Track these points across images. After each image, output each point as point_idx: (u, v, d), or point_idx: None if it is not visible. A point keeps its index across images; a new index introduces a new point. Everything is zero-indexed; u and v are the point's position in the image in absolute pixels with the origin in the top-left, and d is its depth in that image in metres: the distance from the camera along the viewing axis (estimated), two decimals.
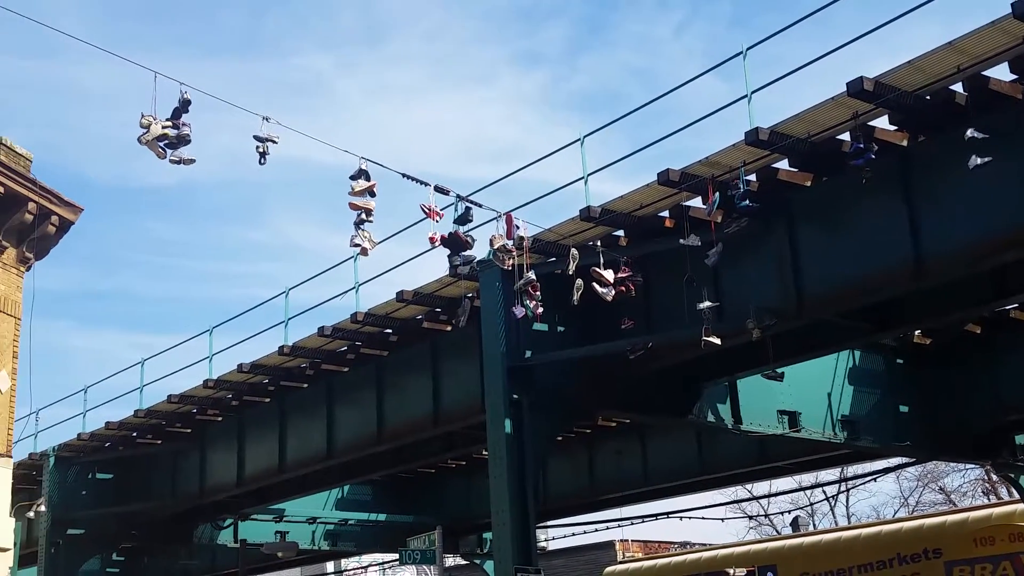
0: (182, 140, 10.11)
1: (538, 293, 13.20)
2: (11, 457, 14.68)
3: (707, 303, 13.30)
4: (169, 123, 10.04)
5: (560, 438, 22.38)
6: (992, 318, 18.34)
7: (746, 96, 12.65)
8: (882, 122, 12.51)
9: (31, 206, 14.65)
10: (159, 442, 24.61)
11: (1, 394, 14.41)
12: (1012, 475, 20.31)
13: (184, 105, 10.04)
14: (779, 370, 16.37)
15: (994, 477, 33.47)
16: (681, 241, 13.39)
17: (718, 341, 13.27)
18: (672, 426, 20.88)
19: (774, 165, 13.34)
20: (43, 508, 23.81)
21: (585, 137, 14.43)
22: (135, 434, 24.24)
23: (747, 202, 12.77)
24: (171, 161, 10.12)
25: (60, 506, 24.64)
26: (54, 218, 15.02)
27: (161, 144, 10.04)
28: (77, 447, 24.80)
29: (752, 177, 13.40)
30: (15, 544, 16.68)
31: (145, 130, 9.94)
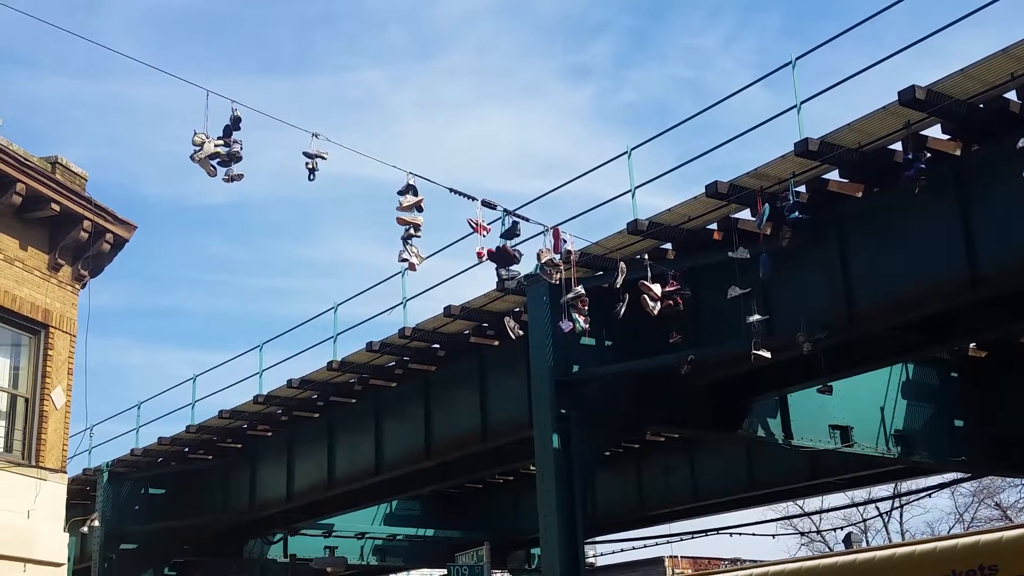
0: (233, 157, 10.19)
1: (586, 307, 13.10)
2: (66, 473, 14.85)
3: (756, 316, 13.17)
4: (221, 141, 10.13)
5: (608, 453, 22.28)
6: None
7: (795, 106, 12.55)
8: (934, 131, 12.34)
9: (86, 224, 14.86)
10: (210, 457, 24.83)
11: (56, 410, 14.61)
12: None
13: (235, 123, 10.13)
14: (830, 384, 16.20)
15: None
16: (730, 254, 13.28)
17: (768, 355, 13.15)
18: (721, 441, 20.69)
19: (824, 176, 13.21)
20: (96, 523, 24.02)
21: (632, 150, 14.41)
22: (187, 449, 24.49)
23: (797, 214, 12.65)
24: (223, 179, 10.22)
25: (113, 521, 24.93)
26: (109, 236, 15.22)
27: (213, 162, 10.14)
28: (130, 462, 25.09)
29: (802, 188, 13.28)
30: (69, 559, 16.87)
31: (198, 148, 10.04)
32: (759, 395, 16.76)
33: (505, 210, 12.32)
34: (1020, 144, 11.19)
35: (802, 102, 12.55)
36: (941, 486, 24.97)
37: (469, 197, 11.70)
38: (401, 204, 11.39)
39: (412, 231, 11.49)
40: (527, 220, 12.50)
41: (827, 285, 13.74)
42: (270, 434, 23.41)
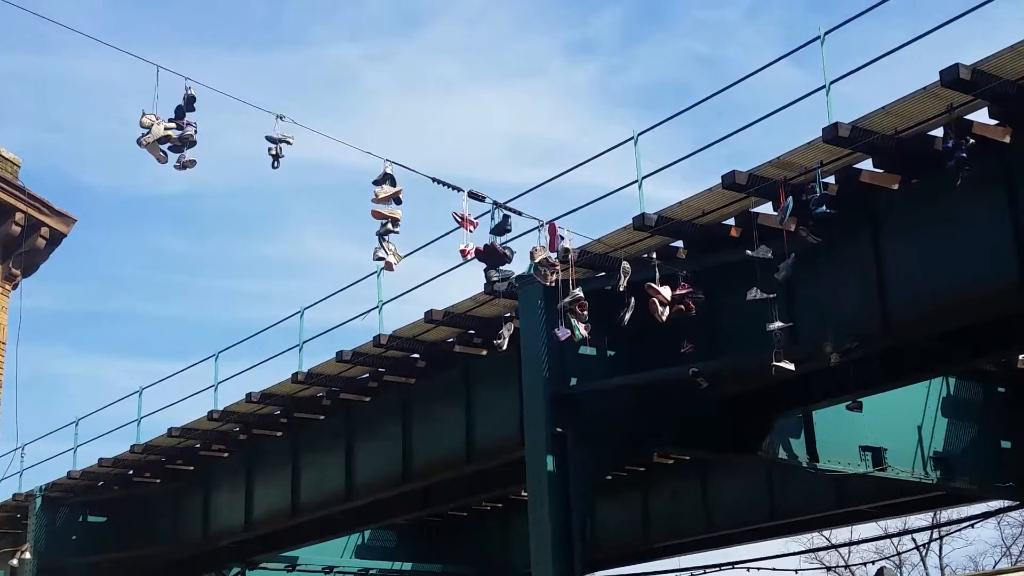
0: (186, 142, 10.20)
1: (585, 312, 13.16)
2: None
3: (778, 323, 13.19)
4: (172, 123, 10.12)
5: (610, 477, 22.28)
6: None
7: (824, 87, 12.55)
8: (980, 115, 12.35)
9: (18, 216, 14.84)
10: (158, 481, 24.77)
11: None
12: None
13: (188, 102, 10.13)
14: (861, 400, 16.24)
15: None
16: (749, 253, 13.27)
17: (791, 367, 13.17)
18: (738, 464, 20.73)
19: (856, 165, 13.21)
20: (28, 555, 24.00)
21: (639, 135, 14.39)
22: (132, 472, 24.41)
23: (824, 208, 12.64)
24: (175, 167, 10.21)
25: (48, 552, 24.81)
26: (44, 230, 15.21)
27: (163, 147, 10.14)
28: (67, 486, 25.00)
29: (831, 179, 13.29)
30: None
31: (146, 131, 10.04)
32: (781, 412, 16.79)
33: (495, 202, 12.35)
34: None
35: (831, 82, 12.54)
36: (986, 515, 25.01)
37: (454, 188, 11.74)
38: (377, 195, 11.42)
39: (389, 226, 11.53)
40: (520, 214, 12.54)
41: (858, 288, 13.76)
42: (226, 455, 23.35)
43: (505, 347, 14.30)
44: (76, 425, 24.80)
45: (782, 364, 13.09)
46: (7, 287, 15.23)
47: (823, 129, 12.46)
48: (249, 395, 20.13)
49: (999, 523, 39.70)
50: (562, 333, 13.18)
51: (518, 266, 13.14)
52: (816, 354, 13.63)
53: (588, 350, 14.97)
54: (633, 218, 14.28)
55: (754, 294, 13.20)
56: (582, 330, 13.08)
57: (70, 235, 15.41)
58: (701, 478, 22.38)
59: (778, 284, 13.27)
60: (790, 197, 12.91)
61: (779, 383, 14.51)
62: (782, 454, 17.23)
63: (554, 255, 12.82)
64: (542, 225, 12.85)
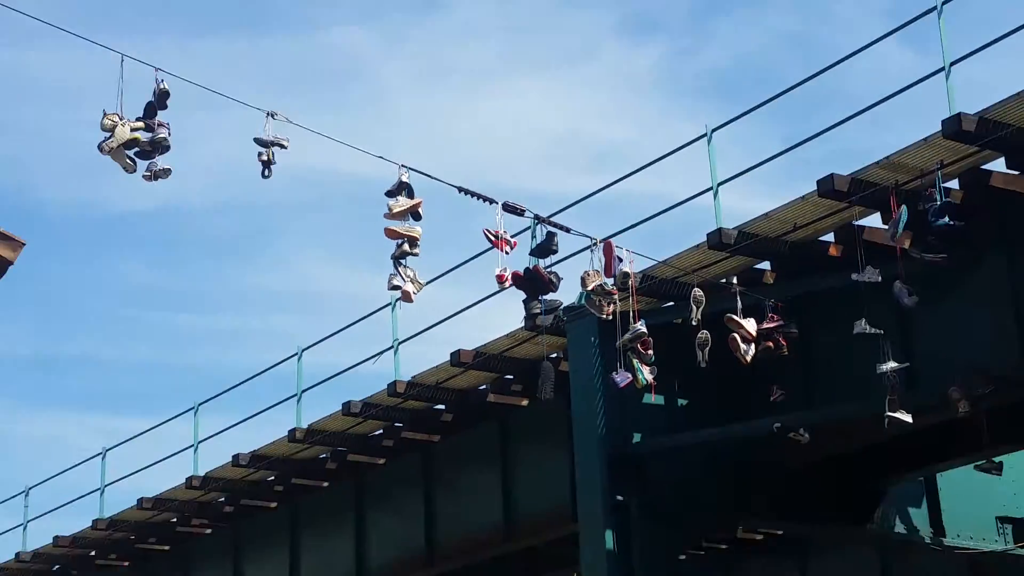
0: (158, 146, 10.28)
1: (650, 352, 13.12)
2: None
3: (893, 364, 13.18)
4: (140, 124, 10.22)
5: (683, 556, 22.15)
6: None
7: (943, 69, 12.54)
8: None
9: None
10: (126, 564, 24.93)
11: None
12: None
13: (160, 99, 10.22)
14: (997, 460, 16.11)
15: None
16: (854, 276, 13.26)
17: (909, 419, 13.13)
18: (846, 540, 20.52)
19: (985, 167, 13.20)
20: None
21: (714, 131, 14.44)
22: (94, 553, 24.57)
23: (947, 219, 12.62)
24: (144, 176, 10.30)
25: None
26: None
27: (130, 152, 10.23)
28: (15, 571, 25.19)
29: (954, 184, 13.27)
30: None
31: (108, 134, 10.13)
32: (897, 475, 16.81)
33: (537, 217, 12.37)
34: None
35: (952, 63, 12.55)
36: None
37: (486, 199, 11.75)
38: (391, 210, 11.46)
39: (406, 247, 11.55)
40: (568, 231, 12.54)
41: (992, 320, 13.72)
42: (209, 531, 23.46)
43: (550, 396, 14.26)
44: (26, 496, 25.04)
45: (897, 415, 13.07)
46: None
47: (943, 122, 12.45)
48: (236, 457, 20.22)
49: None
50: (621, 378, 13.12)
51: (566, 295, 13.15)
52: (941, 402, 13.59)
53: (654, 399, 14.87)
54: (708, 235, 14.33)
55: (861, 327, 13.18)
56: (646, 374, 13.02)
57: (17, 263, 15.56)
58: (799, 557, 22.10)
59: (893, 314, 13.22)
60: (904, 207, 12.89)
61: (894, 439, 14.49)
62: (900, 527, 17.17)
63: (611, 281, 12.81)
64: (595, 244, 12.83)
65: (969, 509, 17.48)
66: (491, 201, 11.82)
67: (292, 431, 19.34)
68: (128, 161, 10.30)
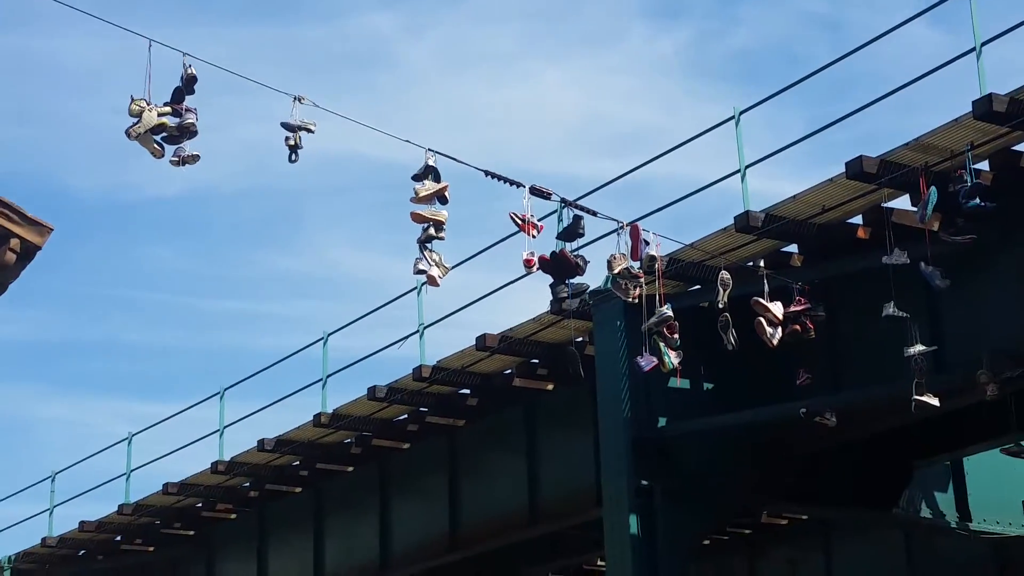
0: (185, 132, 10.28)
1: (676, 336, 13.09)
2: None
3: (920, 347, 13.12)
4: (168, 109, 10.21)
5: (708, 541, 22.15)
6: None
7: (974, 49, 12.48)
8: None
9: None
10: (151, 548, 25.01)
11: None
12: None
13: (188, 83, 10.20)
14: None
15: None
16: (884, 260, 13.17)
17: (936, 402, 13.09)
18: (870, 524, 20.51)
19: (1016, 147, 13.12)
20: None
21: (741, 114, 14.40)
22: (120, 538, 24.65)
23: (978, 200, 12.57)
24: (171, 161, 10.30)
25: None
26: (14, 241, 15.31)
27: (157, 138, 10.22)
28: (41, 556, 25.30)
29: (984, 165, 13.20)
30: None
31: (136, 119, 10.12)
32: (923, 459, 16.77)
33: (563, 200, 12.33)
34: None
35: (983, 44, 12.49)
36: None
37: (512, 182, 11.72)
38: (417, 194, 11.43)
39: (432, 231, 11.53)
40: (594, 214, 12.50)
41: (1021, 302, 13.65)
42: (234, 515, 23.52)
43: (581, 378, 14.25)
44: (52, 481, 25.12)
45: (924, 398, 13.02)
46: None
47: (973, 103, 12.39)
48: (262, 442, 20.25)
49: None
50: (647, 362, 13.11)
51: (592, 279, 13.11)
52: (968, 385, 13.53)
53: (680, 383, 14.88)
54: (735, 218, 14.27)
55: (890, 311, 13.13)
56: (672, 358, 13.00)
57: (45, 248, 15.57)
58: (823, 541, 22.16)
59: (922, 297, 13.15)
60: (933, 188, 12.84)
61: (921, 422, 14.48)
62: (925, 512, 17.15)
63: (637, 264, 12.76)
64: (622, 227, 12.79)
65: (996, 493, 17.48)
66: (518, 185, 11.79)
67: (317, 416, 19.35)
68: (156, 146, 10.29)
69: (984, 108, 12.31)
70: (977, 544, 18.99)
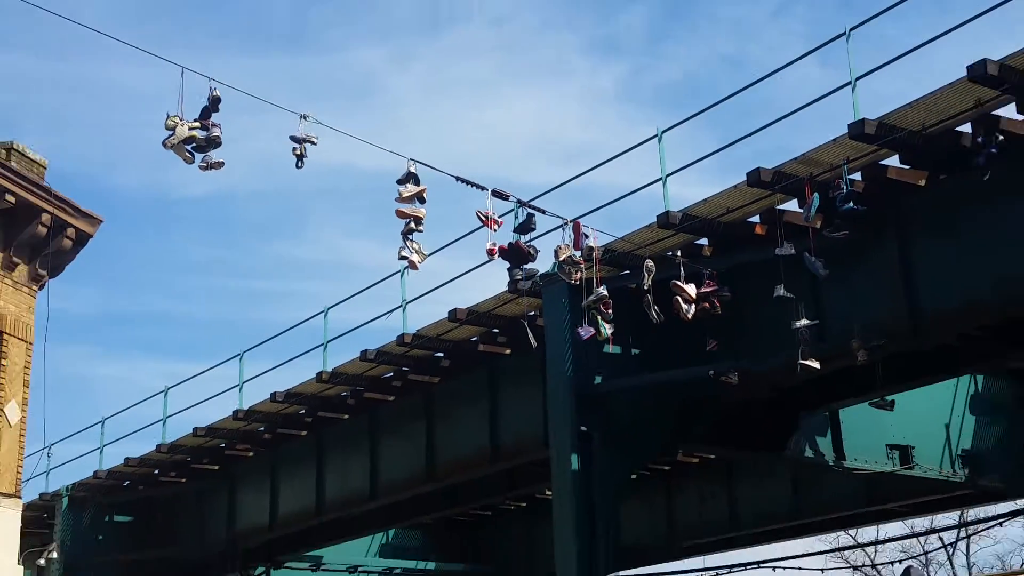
0: (211, 143, 10.26)
1: (610, 311, 13.14)
2: (20, 498, 14.89)
3: (804, 321, 13.18)
4: (197, 123, 10.18)
5: (635, 476, 22.22)
6: None
7: (850, 83, 12.50)
8: (1009, 111, 12.25)
9: (44, 218, 14.91)
10: (183, 480, 24.90)
11: (10, 427, 14.65)
12: None
13: (213, 103, 10.18)
14: (889, 398, 16.19)
15: None
16: (776, 251, 13.24)
17: (817, 365, 13.16)
18: (764, 463, 20.63)
19: (883, 162, 13.15)
20: (55, 554, 24.14)
21: (663, 132, 14.37)
22: (157, 471, 24.55)
23: (851, 204, 12.62)
24: (200, 167, 10.27)
25: (74, 552, 24.95)
26: (70, 230, 15.27)
27: (188, 147, 10.19)
28: (93, 486, 25.15)
29: (857, 176, 13.23)
30: None
31: (171, 132, 10.10)
32: (807, 411, 16.71)
33: (519, 201, 12.34)
34: None
35: (857, 78, 12.49)
36: (1014, 514, 24.80)
37: (478, 186, 11.73)
38: (401, 195, 11.44)
39: (413, 225, 11.53)
40: (544, 212, 12.52)
41: (886, 285, 13.70)
42: (251, 454, 23.43)
43: (532, 345, 14.27)
44: (102, 425, 24.99)
45: (808, 362, 13.09)
46: (34, 288, 15.31)
47: (849, 125, 12.40)
48: (274, 395, 20.20)
49: None
50: (586, 332, 13.16)
51: (542, 264, 13.12)
52: (843, 352, 13.57)
53: (613, 349, 14.93)
54: (657, 216, 14.25)
55: (780, 292, 13.19)
56: (606, 329, 13.05)
57: (96, 236, 15.47)
58: (727, 477, 22.28)
59: (805, 282, 13.21)
60: (816, 194, 12.88)
61: (805, 382, 14.48)
62: (809, 453, 17.14)
63: (578, 253, 12.79)
64: (566, 223, 12.81)
65: (865, 438, 17.49)
66: (482, 188, 11.81)
67: (319, 374, 19.32)
68: (187, 154, 10.28)
69: (857, 130, 12.33)
70: (850, 479, 19.05)
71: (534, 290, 14.76)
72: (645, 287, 13.41)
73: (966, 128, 12.40)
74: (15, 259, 15.01)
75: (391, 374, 19.39)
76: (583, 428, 15.06)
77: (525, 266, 12.56)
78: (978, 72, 11.43)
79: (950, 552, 41.22)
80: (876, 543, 38.21)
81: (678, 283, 13.41)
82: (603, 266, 14.00)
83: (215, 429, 22.00)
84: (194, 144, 10.24)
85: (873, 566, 42.30)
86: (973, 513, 31.22)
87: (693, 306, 13.36)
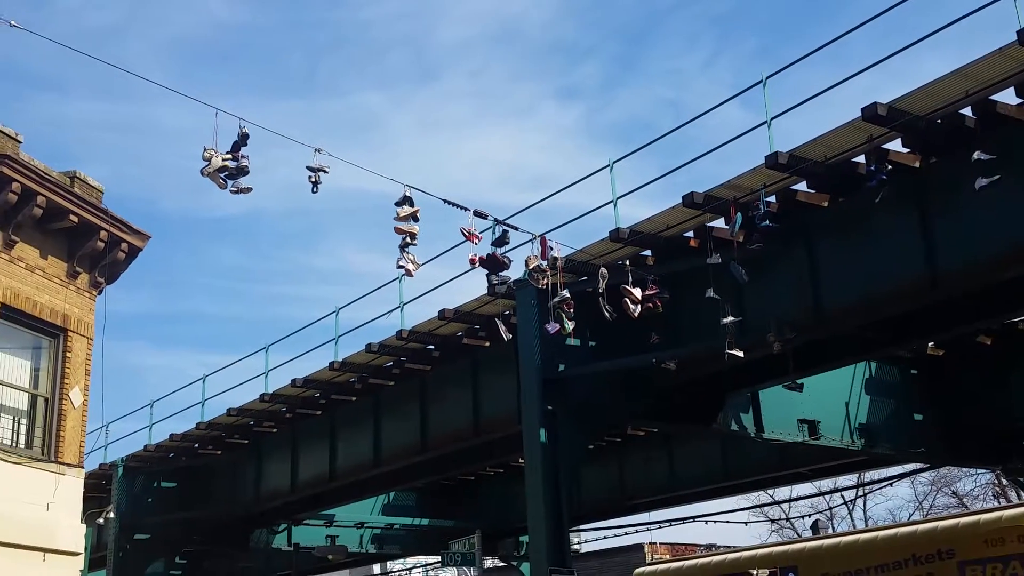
0: (241, 171, 10.22)
1: (571, 310, 13.12)
2: (83, 468, 14.76)
3: (730, 318, 13.20)
4: (229, 155, 10.13)
5: (592, 447, 22.25)
6: (1002, 330, 18.03)
7: (766, 122, 12.56)
8: (896, 145, 12.36)
9: (102, 234, 14.79)
10: (219, 453, 24.71)
11: (74, 409, 14.52)
12: (1022, 479, 19.89)
13: (243, 139, 10.15)
14: (799, 381, 16.23)
15: (1004, 481, 32.83)
16: (707, 260, 13.28)
17: (741, 354, 13.17)
18: (698, 434, 20.68)
19: (793, 187, 13.23)
20: (112, 515, 23.93)
21: (614, 163, 14.39)
22: (196, 445, 24.36)
23: (767, 222, 12.65)
24: (231, 191, 10.22)
25: (128, 513, 24.77)
26: (124, 245, 15.15)
27: (222, 175, 10.15)
28: (143, 458, 24.94)
29: (772, 198, 13.26)
30: (85, 549, 16.77)
31: (207, 162, 10.05)
32: (733, 391, 16.73)
33: (496, 220, 12.34)
34: (975, 157, 11.24)
35: (772, 118, 12.57)
36: (902, 476, 25.01)
37: (462, 208, 11.72)
38: (398, 215, 11.40)
39: (409, 240, 11.51)
40: (516, 229, 12.53)
41: (796, 288, 13.76)
42: (275, 430, 23.29)
43: (507, 337, 14.24)
44: (151, 407, 24.83)
45: (733, 352, 13.10)
46: (94, 293, 15.19)
47: (765, 157, 12.47)
48: (294, 381, 20.09)
49: (913, 482, 39.58)
50: (552, 327, 13.14)
51: (515, 272, 13.15)
52: (761, 343, 13.61)
53: (574, 341, 14.86)
54: (610, 232, 14.29)
55: (710, 294, 13.21)
56: (569, 325, 13.04)
57: (146, 250, 15.36)
58: (667, 447, 22.34)
59: (730, 285, 13.24)
60: (739, 213, 12.92)
61: (731, 367, 14.46)
62: (734, 426, 17.19)
63: (545, 263, 12.79)
64: (535, 238, 12.82)
65: (780, 414, 17.56)
66: (465, 209, 11.80)
67: (332, 363, 19.22)
68: (221, 180, 10.21)
69: (772, 160, 12.39)
70: (768, 447, 19.15)
71: (508, 293, 14.76)
72: (600, 291, 13.42)
73: (861, 159, 12.48)
74: (78, 268, 14.89)
75: (391, 363, 19.30)
76: (549, 407, 15.01)
77: (501, 273, 12.55)
78: (870, 112, 11.52)
79: (850, 508, 41.43)
80: (790, 500, 38.37)
81: (627, 287, 13.42)
82: (565, 273, 13.98)
83: (245, 410, 21.84)
84: (226, 173, 10.20)
85: (787, 519, 42.44)
86: (869, 475, 31.34)
87: (639, 306, 13.37)
